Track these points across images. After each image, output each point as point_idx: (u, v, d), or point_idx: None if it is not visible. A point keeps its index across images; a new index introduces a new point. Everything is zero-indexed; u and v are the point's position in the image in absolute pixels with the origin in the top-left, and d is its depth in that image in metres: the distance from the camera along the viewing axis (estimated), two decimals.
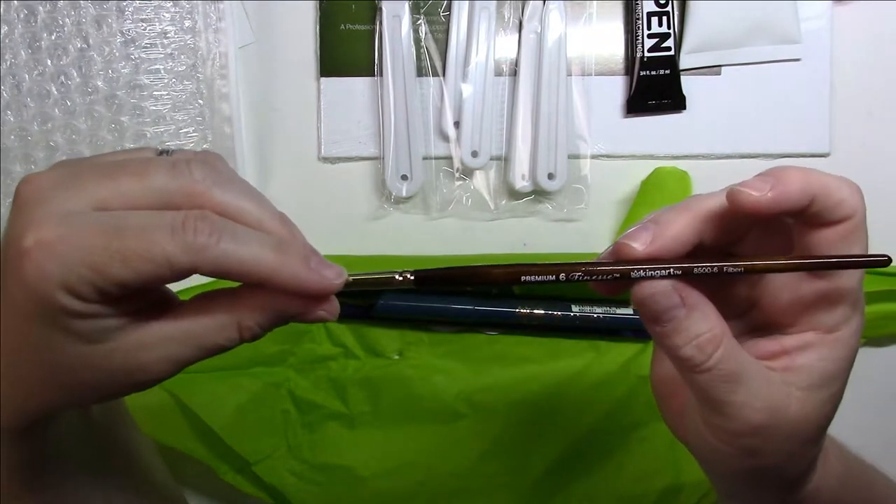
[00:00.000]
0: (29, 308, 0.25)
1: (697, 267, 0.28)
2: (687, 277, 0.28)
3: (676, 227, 0.28)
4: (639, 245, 0.28)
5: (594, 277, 0.28)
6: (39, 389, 0.27)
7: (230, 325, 0.27)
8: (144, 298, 0.27)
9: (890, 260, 0.29)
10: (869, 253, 0.28)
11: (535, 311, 0.52)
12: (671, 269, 0.28)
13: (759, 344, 0.31)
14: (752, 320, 0.32)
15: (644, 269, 0.28)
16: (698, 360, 0.28)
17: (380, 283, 0.29)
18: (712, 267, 0.28)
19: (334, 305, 0.28)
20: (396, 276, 0.28)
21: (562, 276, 0.28)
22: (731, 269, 0.28)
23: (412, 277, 0.29)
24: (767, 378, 0.29)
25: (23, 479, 0.31)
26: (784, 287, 0.30)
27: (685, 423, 0.32)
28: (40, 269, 0.24)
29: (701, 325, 0.28)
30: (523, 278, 0.28)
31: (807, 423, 0.29)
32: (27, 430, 0.29)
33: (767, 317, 0.31)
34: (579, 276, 0.28)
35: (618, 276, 0.28)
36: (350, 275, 0.28)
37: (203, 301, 0.28)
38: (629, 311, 0.52)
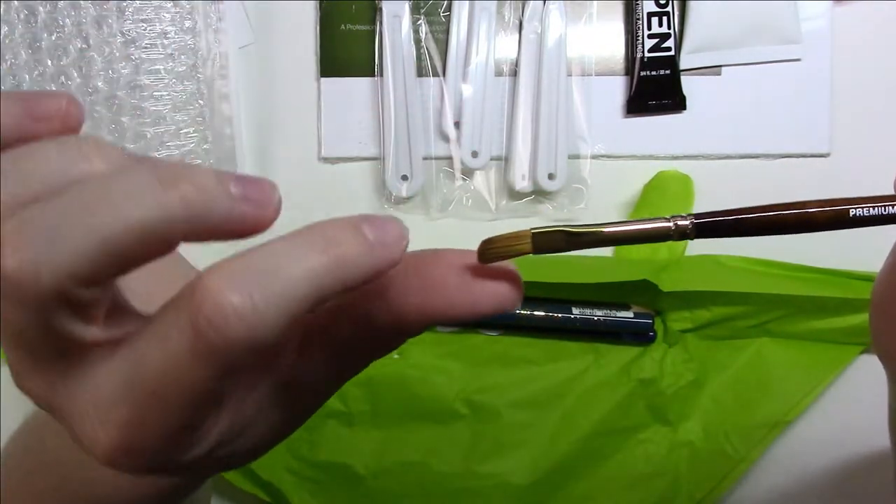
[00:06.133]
0: None
1: None
2: None
3: None
4: None
5: None
6: None
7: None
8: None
9: None
10: None
11: (536, 313, 0.52)
12: None
13: None
14: None
15: None
16: None
17: (643, 236, 0.22)
18: None
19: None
20: (671, 225, 0.21)
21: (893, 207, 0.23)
22: None
23: (690, 224, 0.21)
24: None
25: None
26: None
27: None
28: None
29: None
30: (852, 213, 0.22)
31: None
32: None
33: None
34: None
35: None
36: (600, 225, 0.22)
37: None
38: (629, 314, 0.52)
